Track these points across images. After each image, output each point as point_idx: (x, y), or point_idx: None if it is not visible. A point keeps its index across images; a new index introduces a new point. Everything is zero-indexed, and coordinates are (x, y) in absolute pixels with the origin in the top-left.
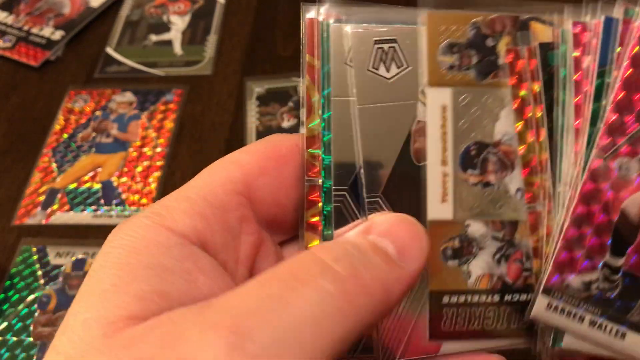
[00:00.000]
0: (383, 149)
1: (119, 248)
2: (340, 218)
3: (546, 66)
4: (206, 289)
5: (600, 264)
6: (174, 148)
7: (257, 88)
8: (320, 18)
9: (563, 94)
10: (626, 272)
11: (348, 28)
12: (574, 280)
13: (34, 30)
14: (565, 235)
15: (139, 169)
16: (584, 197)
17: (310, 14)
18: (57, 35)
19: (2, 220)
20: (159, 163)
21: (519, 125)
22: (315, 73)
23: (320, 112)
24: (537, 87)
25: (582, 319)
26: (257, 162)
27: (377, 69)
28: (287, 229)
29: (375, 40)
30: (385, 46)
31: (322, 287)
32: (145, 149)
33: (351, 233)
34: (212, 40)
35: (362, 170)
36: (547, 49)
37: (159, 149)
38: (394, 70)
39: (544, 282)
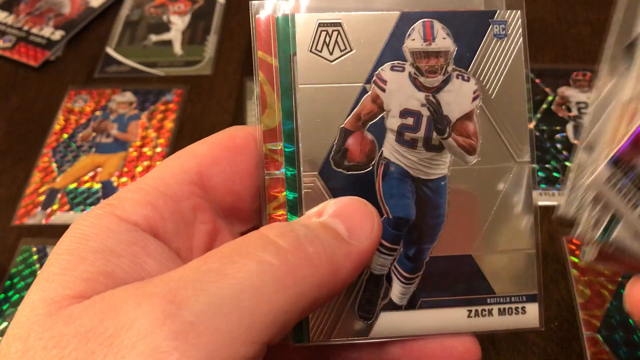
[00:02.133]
0: (322, 129)
1: (71, 236)
2: (312, 204)
3: None
4: (154, 272)
5: None
6: (174, 148)
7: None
8: (279, 13)
9: None
10: None
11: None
12: None
13: (34, 30)
14: None
15: (139, 169)
16: None
17: (262, 11)
18: (57, 35)
19: (2, 220)
20: (158, 163)
21: None
22: (267, 68)
23: (278, 105)
24: None
25: (636, 206)
26: (211, 152)
27: (320, 51)
28: (246, 218)
29: (320, 23)
30: (329, 29)
31: (263, 259)
32: (145, 149)
33: (302, 216)
34: (212, 40)
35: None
36: None
37: (159, 149)
38: (337, 52)
39: (612, 153)
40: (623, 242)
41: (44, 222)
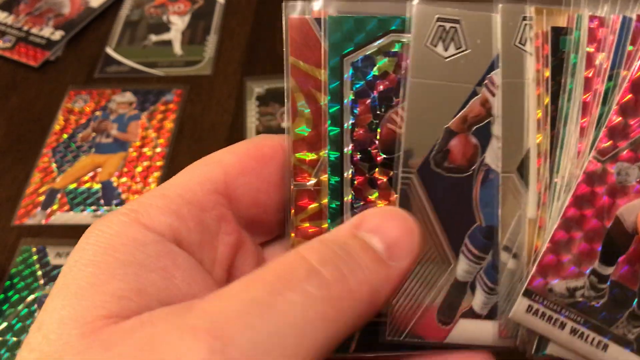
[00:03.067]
0: (426, 126)
1: (95, 245)
2: (406, 202)
3: (557, 51)
4: (184, 287)
5: (588, 270)
6: (173, 148)
7: (257, 88)
8: (308, 15)
9: (571, 82)
10: (615, 282)
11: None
12: (558, 284)
13: (34, 31)
14: (553, 238)
15: (139, 169)
16: (577, 200)
17: (295, 12)
18: (57, 35)
19: (2, 220)
20: (158, 163)
21: (539, 112)
22: (299, 74)
23: (325, 109)
24: (547, 72)
25: (563, 326)
26: (238, 162)
27: (434, 46)
28: (269, 230)
29: (438, 18)
30: (447, 25)
31: (307, 291)
32: (145, 149)
33: (341, 227)
34: (212, 40)
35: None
36: (559, 33)
37: (158, 149)
38: (451, 50)
39: (526, 283)
40: (560, 354)
41: (43, 222)
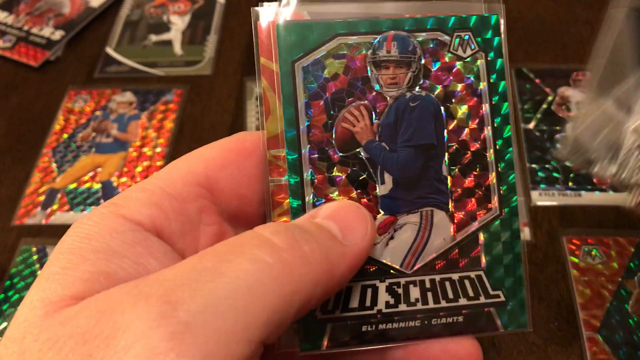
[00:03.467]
0: None
1: (73, 235)
2: None
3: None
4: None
5: None
6: (174, 148)
7: (257, 88)
8: (279, 20)
9: None
10: None
11: None
12: None
13: (34, 30)
14: None
15: (139, 169)
16: None
17: (263, 18)
18: (57, 35)
19: (2, 220)
20: (159, 163)
21: None
22: (269, 74)
23: (280, 112)
24: None
25: None
26: (220, 155)
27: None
28: (252, 222)
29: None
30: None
31: (258, 257)
32: (145, 149)
33: (299, 218)
34: (212, 40)
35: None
36: None
37: (159, 149)
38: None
39: None
40: None
41: (43, 222)
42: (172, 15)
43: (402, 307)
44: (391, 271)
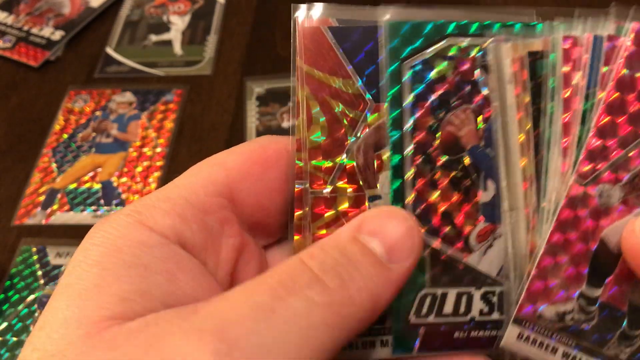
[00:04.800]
0: None
1: (100, 246)
2: None
3: (534, 75)
4: (188, 289)
5: (576, 294)
6: (174, 148)
7: (257, 88)
8: (314, 22)
9: (551, 106)
10: (604, 303)
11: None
12: (548, 310)
13: (34, 31)
14: (540, 264)
15: (139, 169)
16: (561, 225)
17: (307, 23)
18: (57, 35)
19: (2, 220)
20: (159, 163)
21: (521, 137)
22: (315, 83)
23: (387, 112)
24: (527, 97)
25: (555, 351)
26: (242, 165)
27: None
28: (271, 233)
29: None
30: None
31: (310, 298)
32: (145, 149)
33: (342, 230)
34: (212, 40)
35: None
36: (535, 57)
37: (159, 149)
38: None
39: (515, 311)
40: None
41: (44, 222)
42: (172, 15)
43: (495, 315)
44: (488, 280)
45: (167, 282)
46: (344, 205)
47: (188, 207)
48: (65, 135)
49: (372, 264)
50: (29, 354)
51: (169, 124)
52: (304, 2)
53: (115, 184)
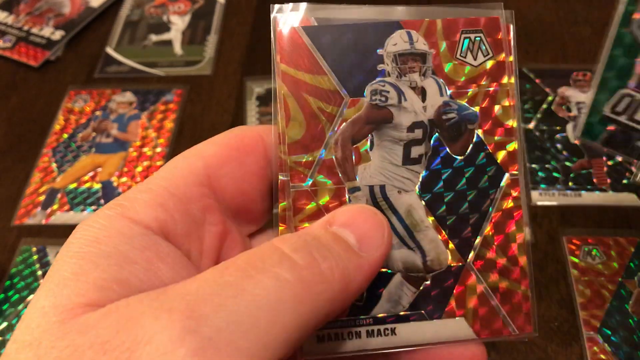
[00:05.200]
0: None
1: (81, 238)
2: None
3: None
4: (167, 278)
5: None
6: (174, 148)
7: (257, 88)
8: (296, 24)
9: None
10: None
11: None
12: None
13: (34, 30)
14: None
15: (139, 169)
16: None
17: (286, 22)
18: (57, 35)
19: (2, 220)
20: (159, 163)
21: None
22: (291, 81)
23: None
24: None
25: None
26: (219, 153)
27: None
28: (254, 219)
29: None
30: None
31: (279, 275)
32: (145, 149)
33: (314, 224)
34: (212, 40)
35: None
36: None
37: (159, 149)
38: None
39: None
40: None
41: (44, 222)
42: (172, 15)
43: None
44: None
45: (146, 271)
46: (325, 199)
47: (169, 197)
48: (65, 135)
49: (344, 249)
50: (9, 346)
51: (169, 124)
52: (283, 2)
53: (115, 184)
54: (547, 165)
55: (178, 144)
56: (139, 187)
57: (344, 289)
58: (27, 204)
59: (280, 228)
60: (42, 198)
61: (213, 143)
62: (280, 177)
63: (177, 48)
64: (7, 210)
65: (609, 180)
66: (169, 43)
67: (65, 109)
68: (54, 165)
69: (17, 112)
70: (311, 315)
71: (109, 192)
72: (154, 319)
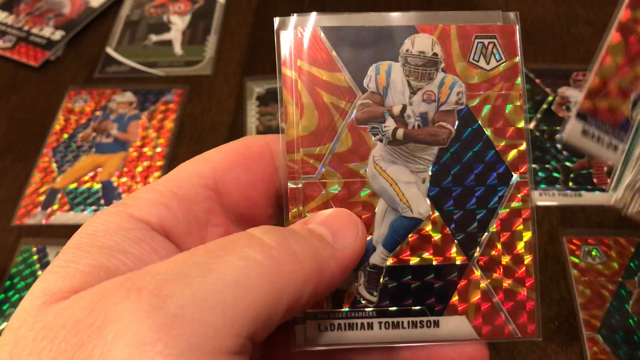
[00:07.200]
0: None
1: (82, 233)
2: None
3: None
4: None
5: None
6: (174, 148)
7: (257, 88)
8: (299, 33)
9: None
10: None
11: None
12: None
13: (34, 30)
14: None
15: (139, 169)
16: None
17: (287, 29)
18: (57, 35)
19: (2, 220)
20: (159, 163)
21: None
22: (289, 82)
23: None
24: None
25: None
26: (227, 158)
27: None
28: (259, 224)
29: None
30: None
31: (248, 254)
32: (145, 149)
33: (290, 225)
34: (212, 40)
35: None
36: None
37: (159, 149)
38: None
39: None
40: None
41: (44, 222)
42: (172, 15)
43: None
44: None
45: (137, 261)
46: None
47: (173, 197)
48: (66, 135)
49: (318, 239)
50: (2, 333)
51: (169, 124)
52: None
53: (115, 184)
54: (547, 165)
55: (178, 144)
56: (145, 188)
57: (316, 271)
58: (27, 204)
59: None
60: (42, 198)
61: (221, 149)
62: (290, 185)
63: (177, 48)
64: (7, 210)
65: (609, 180)
66: (169, 43)
67: (66, 109)
68: (54, 165)
69: (17, 112)
70: (282, 293)
71: (109, 192)
72: (123, 298)
